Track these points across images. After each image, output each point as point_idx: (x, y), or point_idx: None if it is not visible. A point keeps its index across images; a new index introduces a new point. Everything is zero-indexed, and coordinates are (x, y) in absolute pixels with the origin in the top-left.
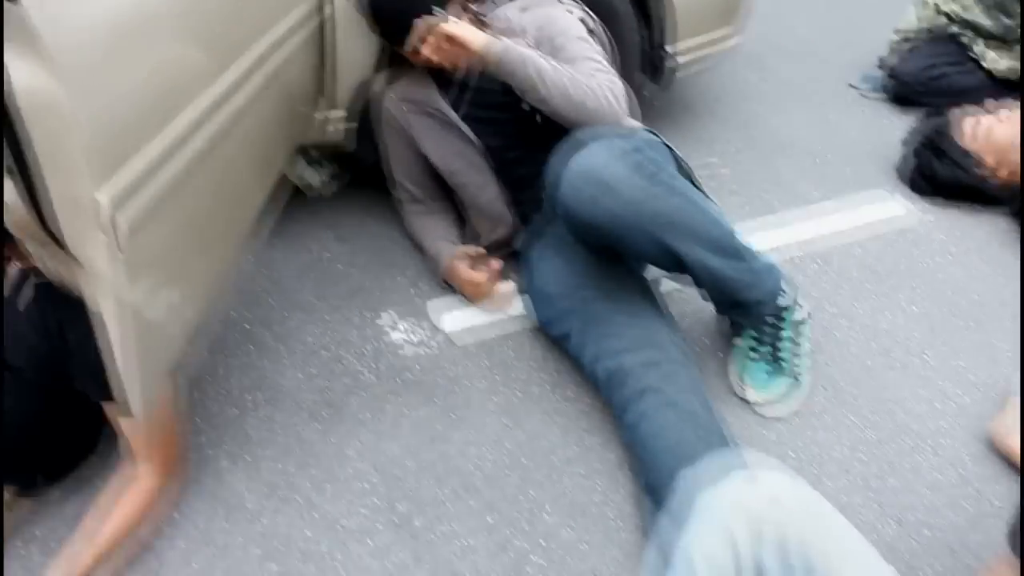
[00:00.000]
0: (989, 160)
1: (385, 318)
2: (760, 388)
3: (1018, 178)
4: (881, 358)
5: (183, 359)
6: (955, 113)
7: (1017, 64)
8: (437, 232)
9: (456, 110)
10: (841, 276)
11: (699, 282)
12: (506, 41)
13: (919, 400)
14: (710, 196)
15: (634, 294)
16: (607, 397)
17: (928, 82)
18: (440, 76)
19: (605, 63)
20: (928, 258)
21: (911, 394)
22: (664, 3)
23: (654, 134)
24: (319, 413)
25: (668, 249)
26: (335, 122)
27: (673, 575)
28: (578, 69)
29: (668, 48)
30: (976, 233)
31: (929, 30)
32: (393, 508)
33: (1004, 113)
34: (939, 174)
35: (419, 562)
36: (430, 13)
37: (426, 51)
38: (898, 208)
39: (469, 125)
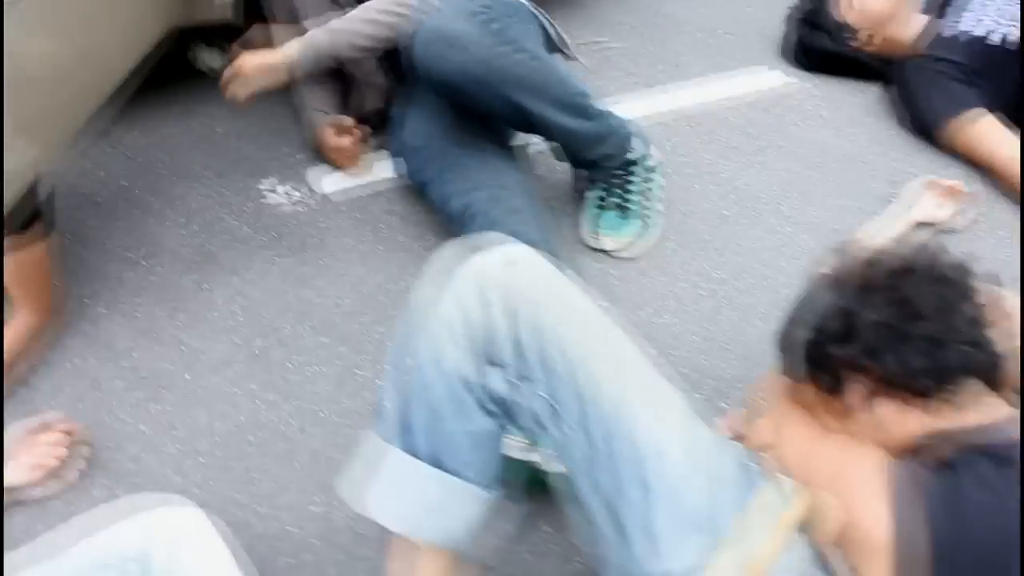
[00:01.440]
0: (863, 31)
1: (267, 183)
2: (609, 232)
3: (891, 46)
4: (736, 208)
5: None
6: None
7: None
8: (315, 103)
9: None
10: (711, 137)
11: (549, 138)
12: (305, 37)
13: (765, 246)
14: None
15: (489, 143)
16: (458, 234)
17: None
18: None
19: None
20: (799, 122)
21: (758, 239)
22: None
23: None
24: (195, 265)
25: (516, 106)
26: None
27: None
28: None
29: None
30: (850, 100)
31: None
32: (252, 343)
33: None
34: (816, 47)
35: (271, 387)
36: None
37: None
38: (776, 80)
39: None
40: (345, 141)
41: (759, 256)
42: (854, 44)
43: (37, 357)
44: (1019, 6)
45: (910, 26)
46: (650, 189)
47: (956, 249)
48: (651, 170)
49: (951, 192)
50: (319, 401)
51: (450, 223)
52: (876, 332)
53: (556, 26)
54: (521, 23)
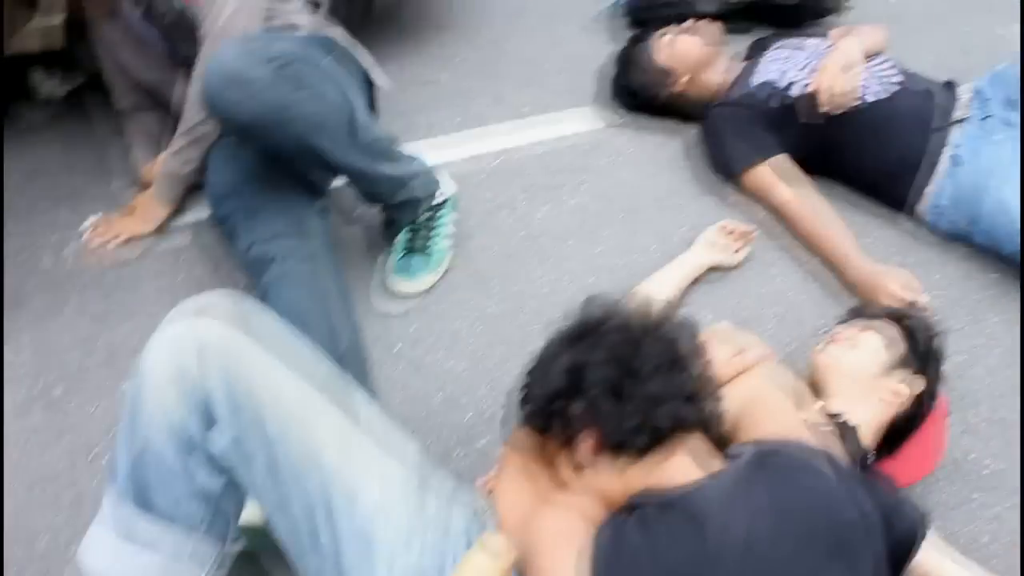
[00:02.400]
0: (677, 74)
1: (91, 220)
2: (410, 276)
3: (704, 91)
4: (526, 245)
5: None
6: (649, 31)
7: None
8: (137, 137)
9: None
10: (516, 173)
11: (352, 182)
12: (162, 182)
13: (546, 282)
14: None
15: (294, 187)
16: (255, 281)
17: (651, 8)
18: None
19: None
20: (609, 163)
21: (542, 276)
22: None
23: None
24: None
25: (313, 150)
26: (49, 29)
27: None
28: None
29: None
30: (666, 143)
31: None
32: (52, 391)
33: (693, 25)
34: (635, 89)
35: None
36: None
37: None
38: (597, 121)
39: (160, 33)
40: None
41: (538, 293)
42: (670, 88)
43: None
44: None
45: (722, 72)
46: (437, 225)
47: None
48: (440, 206)
49: (742, 237)
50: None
51: (249, 269)
52: (598, 390)
53: (375, 69)
54: (327, 68)
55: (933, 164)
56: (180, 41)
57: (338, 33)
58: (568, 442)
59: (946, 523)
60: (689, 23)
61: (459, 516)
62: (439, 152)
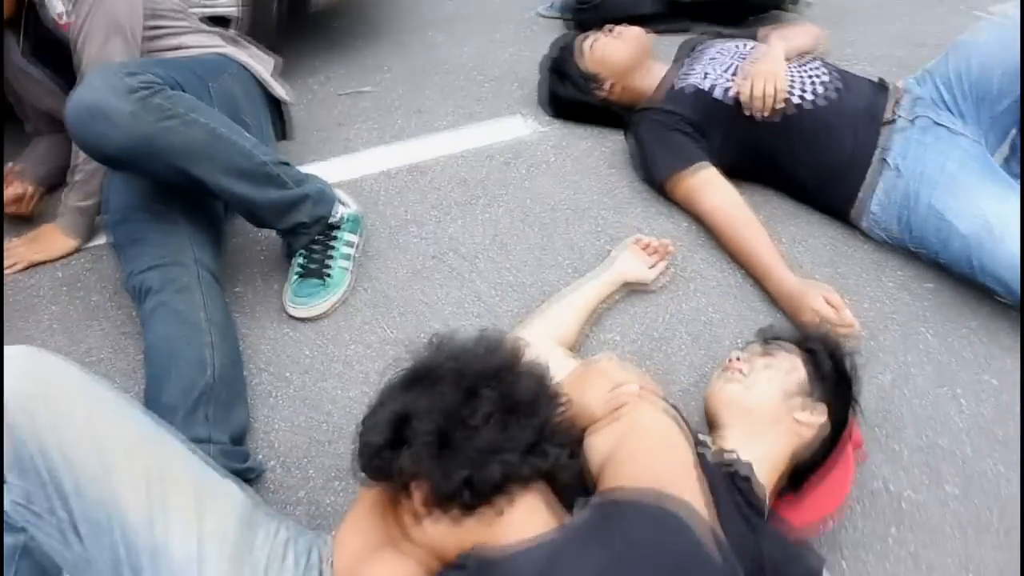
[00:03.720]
0: (605, 79)
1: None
2: (305, 301)
3: (632, 96)
4: (432, 262)
5: None
6: (575, 35)
7: None
8: (30, 162)
9: (35, 54)
10: (430, 187)
11: (236, 210)
12: (70, 215)
13: (451, 301)
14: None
15: (176, 215)
16: (139, 309)
17: (585, 8)
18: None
19: (116, 19)
20: (530, 174)
21: (446, 295)
22: None
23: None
24: None
25: (191, 178)
26: None
27: None
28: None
29: None
30: (594, 150)
31: None
32: None
33: (617, 29)
34: (563, 96)
35: None
36: None
37: None
38: (524, 130)
39: (46, 67)
40: (16, 189)
41: (440, 314)
42: (597, 93)
43: None
44: (738, 65)
45: (650, 76)
46: (334, 247)
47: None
48: (350, 230)
49: (659, 251)
50: None
51: (132, 299)
52: (422, 442)
53: (277, 86)
54: (203, 93)
55: (864, 170)
56: (66, 70)
57: (238, 49)
58: (406, 491)
59: (858, 562)
60: (613, 27)
61: (292, 566)
62: (353, 168)
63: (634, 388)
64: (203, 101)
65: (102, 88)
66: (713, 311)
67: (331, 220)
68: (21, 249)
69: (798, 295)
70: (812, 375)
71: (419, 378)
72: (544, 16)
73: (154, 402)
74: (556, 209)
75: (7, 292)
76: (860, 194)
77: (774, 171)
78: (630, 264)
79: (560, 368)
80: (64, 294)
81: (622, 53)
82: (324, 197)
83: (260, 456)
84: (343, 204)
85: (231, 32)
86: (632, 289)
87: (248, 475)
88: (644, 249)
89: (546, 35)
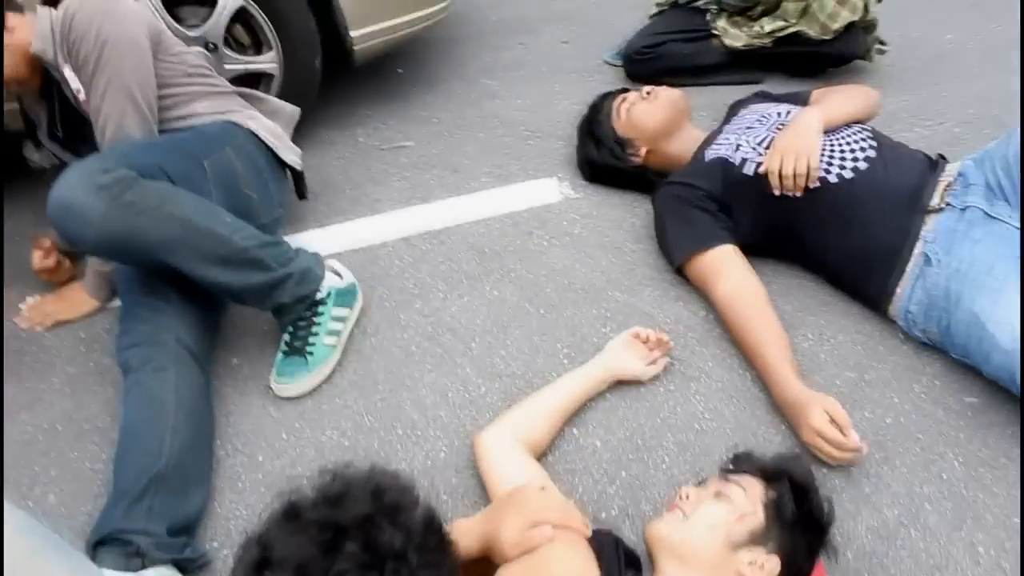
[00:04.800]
0: (638, 144)
1: (28, 301)
2: (287, 379)
3: (666, 162)
4: (427, 343)
5: None
6: (611, 95)
7: (752, 40)
8: None
9: (64, 126)
10: (446, 257)
11: (217, 294)
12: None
13: (435, 388)
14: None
15: (169, 289)
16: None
17: (646, 57)
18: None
19: (129, 90)
20: (544, 241)
21: (432, 381)
22: None
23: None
24: None
25: (168, 267)
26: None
27: None
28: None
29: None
30: (611, 216)
31: (674, 3)
32: None
33: (653, 91)
34: (595, 160)
35: None
36: None
37: None
38: (554, 195)
39: (78, 137)
40: (49, 262)
41: (422, 404)
42: (632, 159)
43: None
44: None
45: (687, 142)
46: (318, 324)
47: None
48: (340, 303)
49: (658, 346)
50: None
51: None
52: None
53: (289, 153)
54: (203, 170)
55: (903, 261)
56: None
57: (251, 112)
58: None
59: None
60: (651, 89)
61: None
62: (375, 231)
63: (547, 532)
64: (196, 181)
65: (76, 186)
66: (710, 418)
67: (319, 295)
68: (48, 308)
69: (800, 407)
70: (771, 521)
71: (292, 517)
72: (610, 64)
73: (114, 485)
74: (568, 288)
75: (28, 348)
76: (897, 288)
77: (804, 254)
78: (624, 360)
79: (509, 478)
80: (81, 355)
81: (655, 118)
82: (309, 276)
83: (214, 543)
84: (337, 275)
85: (252, 91)
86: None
87: (187, 565)
88: (644, 343)
89: (608, 86)
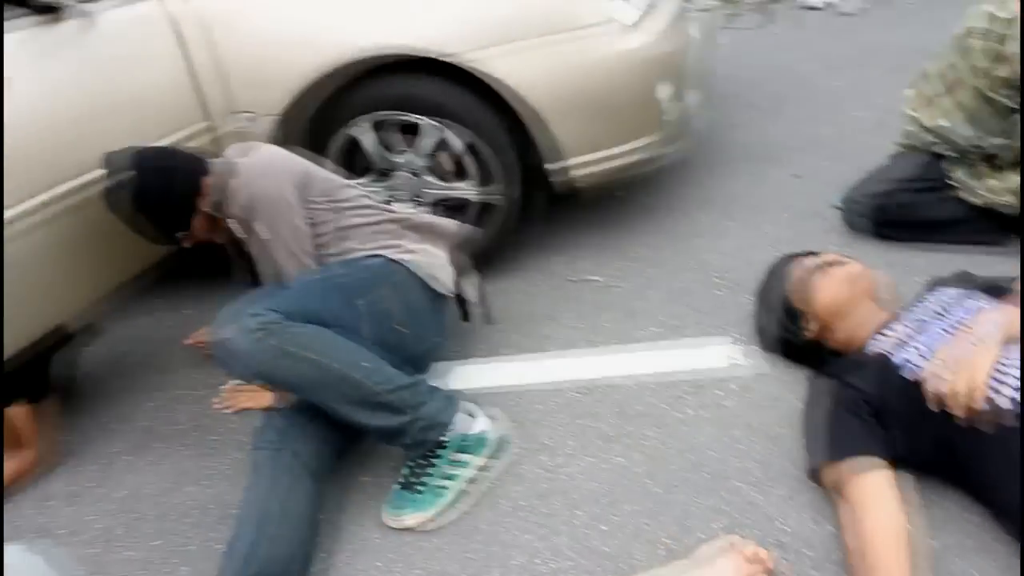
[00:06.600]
0: (813, 320)
1: (225, 387)
2: (394, 511)
3: (843, 343)
4: (537, 501)
5: None
6: (791, 259)
7: (994, 196)
8: None
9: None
10: (586, 412)
11: (354, 429)
12: None
13: (526, 551)
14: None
15: (306, 404)
16: None
17: (867, 206)
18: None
19: (290, 244)
20: (691, 411)
21: (525, 543)
22: (542, 124)
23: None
24: (135, 446)
25: (316, 404)
26: None
27: None
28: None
29: (552, 165)
30: (770, 391)
31: (913, 147)
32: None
33: (829, 258)
34: (764, 327)
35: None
36: (191, 205)
37: None
38: (722, 359)
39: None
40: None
41: (507, 565)
42: (803, 333)
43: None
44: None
45: (863, 324)
46: (454, 470)
47: None
48: (466, 449)
49: (755, 560)
50: None
51: None
52: None
53: (447, 277)
54: (354, 310)
55: None
56: None
57: (408, 245)
58: None
59: None
60: (833, 260)
61: None
62: (531, 374)
63: None
64: (347, 320)
65: (228, 326)
66: None
67: (443, 438)
68: (240, 396)
69: None
70: None
71: None
72: (838, 208)
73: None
74: (694, 469)
75: (216, 428)
76: None
77: (966, 478)
78: (715, 570)
79: None
80: (245, 446)
81: (829, 293)
82: (435, 424)
83: None
84: (474, 419)
85: (418, 215)
86: None
87: None
88: (736, 555)
89: (822, 234)
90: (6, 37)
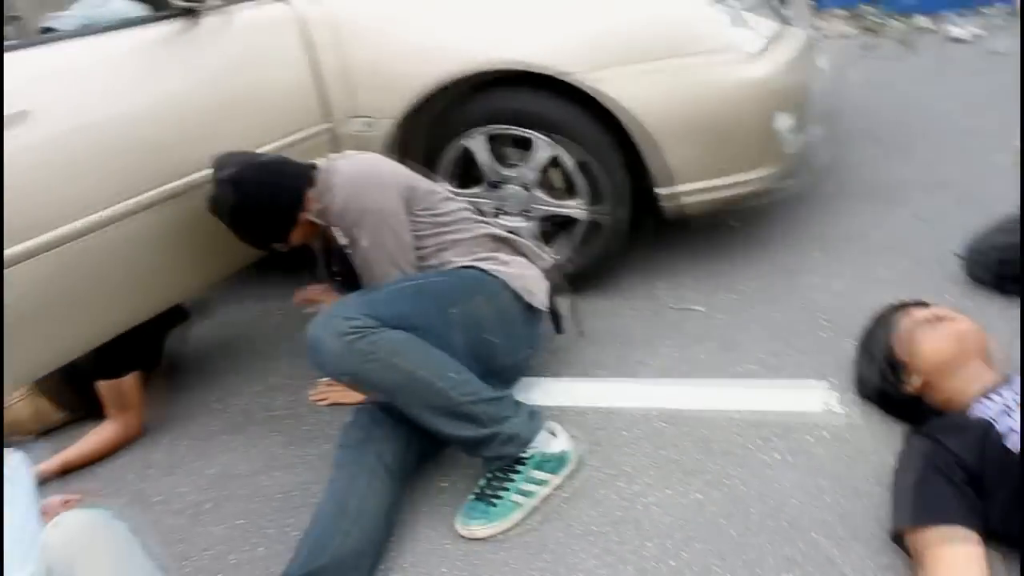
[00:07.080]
0: (915, 375)
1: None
2: (467, 520)
3: (944, 401)
4: (609, 528)
5: None
6: (898, 309)
7: None
8: None
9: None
10: (669, 443)
11: (436, 436)
12: None
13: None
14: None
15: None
16: None
17: (989, 257)
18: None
19: (395, 256)
20: (777, 454)
21: (590, 569)
22: (655, 148)
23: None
24: (233, 425)
25: (393, 405)
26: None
27: None
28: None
29: (663, 190)
30: (863, 444)
31: None
32: (189, 497)
33: (939, 312)
34: (864, 377)
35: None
36: (293, 220)
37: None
38: (816, 404)
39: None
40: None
41: None
42: (903, 386)
43: (109, 454)
44: None
45: (969, 384)
46: (529, 487)
47: None
48: (546, 468)
49: None
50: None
51: None
52: None
53: (541, 291)
54: (446, 319)
55: None
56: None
57: (501, 259)
58: None
59: None
60: (943, 312)
61: None
62: (619, 397)
63: None
64: (439, 328)
65: (322, 327)
66: None
67: (523, 454)
68: (334, 390)
69: None
70: None
71: None
72: (960, 257)
73: (289, 562)
74: (773, 515)
75: (308, 418)
76: None
77: None
78: None
79: None
80: (333, 439)
81: (935, 349)
82: (516, 439)
83: None
84: (554, 437)
85: (514, 236)
86: None
87: None
88: None
89: (938, 284)
90: (149, 32)
